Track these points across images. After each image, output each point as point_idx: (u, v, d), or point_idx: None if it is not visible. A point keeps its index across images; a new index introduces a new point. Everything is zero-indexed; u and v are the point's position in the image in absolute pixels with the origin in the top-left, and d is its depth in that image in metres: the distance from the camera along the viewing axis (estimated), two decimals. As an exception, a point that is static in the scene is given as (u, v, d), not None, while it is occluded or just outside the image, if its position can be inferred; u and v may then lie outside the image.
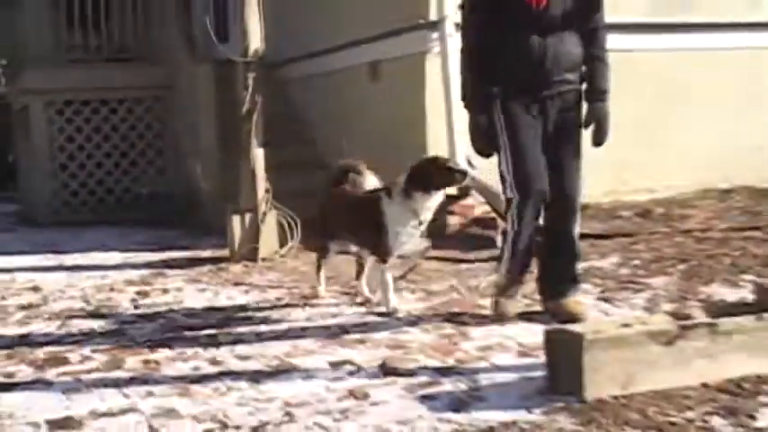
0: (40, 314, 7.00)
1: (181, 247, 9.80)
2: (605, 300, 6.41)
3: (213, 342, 5.86)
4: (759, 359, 4.56)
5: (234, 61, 9.10)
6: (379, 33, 10.22)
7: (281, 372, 5.11)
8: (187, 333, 6.16)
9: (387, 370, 5.02)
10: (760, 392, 4.34)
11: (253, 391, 4.77)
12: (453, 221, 8.82)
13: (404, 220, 6.16)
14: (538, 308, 6.06)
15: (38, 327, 6.60)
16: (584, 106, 5.79)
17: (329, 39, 11.42)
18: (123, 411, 4.57)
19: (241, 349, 5.63)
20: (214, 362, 5.38)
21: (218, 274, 8.31)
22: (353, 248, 6.80)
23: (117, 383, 5.04)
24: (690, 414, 4.11)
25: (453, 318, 6.09)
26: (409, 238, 6.26)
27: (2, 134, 17.32)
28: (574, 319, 5.49)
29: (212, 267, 8.62)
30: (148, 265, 8.92)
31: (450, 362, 5.13)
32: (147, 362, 5.45)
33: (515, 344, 5.38)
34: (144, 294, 7.58)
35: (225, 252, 9.01)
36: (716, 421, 4.02)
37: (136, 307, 7.14)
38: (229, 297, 7.32)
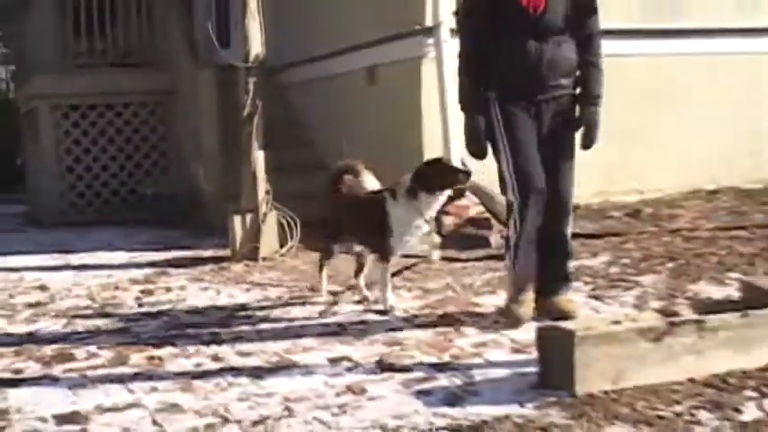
0: (48, 312, 7.00)
1: (184, 246, 9.80)
2: (596, 297, 6.40)
3: (215, 339, 5.86)
4: (744, 355, 4.56)
5: (235, 66, 9.11)
6: (376, 39, 10.22)
7: (281, 368, 5.11)
8: (190, 330, 6.16)
9: (384, 366, 5.02)
10: (745, 387, 4.34)
11: (253, 387, 4.77)
12: (448, 221, 8.81)
13: (408, 221, 6.14)
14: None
15: (45, 324, 6.60)
16: (577, 110, 5.77)
17: (328, 44, 11.42)
18: (128, 406, 4.58)
19: (242, 346, 5.63)
20: (216, 358, 5.39)
21: (220, 273, 8.31)
22: (357, 248, 6.76)
23: (122, 379, 5.04)
24: (678, 408, 4.11)
25: (448, 315, 6.09)
26: (412, 238, 6.25)
27: (10, 137, 17.34)
28: (565, 316, 5.49)
29: (214, 266, 8.61)
30: (152, 264, 8.92)
31: (446, 358, 5.13)
32: (151, 358, 5.46)
33: (508, 340, 5.37)
34: (148, 293, 7.58)
35: (226, 251, 9.00)
36: (703, 415, 4.03)
37: (140, 305, 7.14)
38: (231, 295, 7.32)
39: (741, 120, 10.40)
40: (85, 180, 12.97)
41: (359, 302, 6.66)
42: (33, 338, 6.16)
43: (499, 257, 7.97)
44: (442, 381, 4.71)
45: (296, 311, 6.57)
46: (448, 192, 6.23)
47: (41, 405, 4.65)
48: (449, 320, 5.97)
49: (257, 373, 5.01)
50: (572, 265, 6.09)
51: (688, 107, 10.22)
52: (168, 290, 7.67)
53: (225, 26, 13.44)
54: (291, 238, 9.02)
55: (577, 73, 5.72)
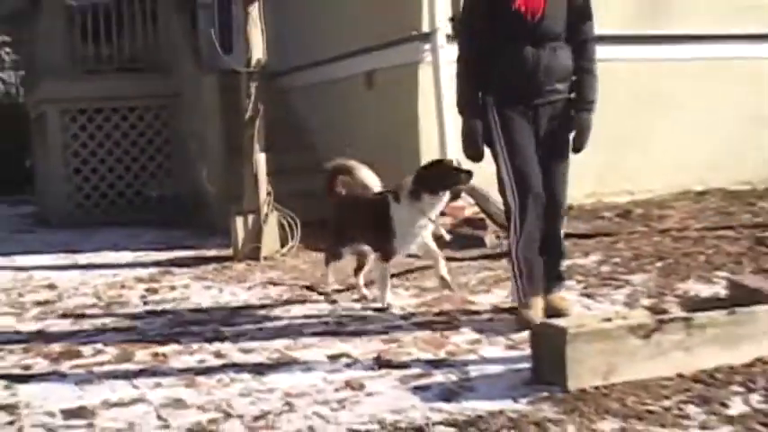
0: (55, 310, 7.01)
1: (187, 246, 9.80)
2: (588, 295, 6.40)
3: (218, 336, 5.86)
4: (731, 351, 4.56)
5: (237, 71, 9.11)
6: (374, 44, 10.22)
7: (282, 364, 5.12)
8: (193, 328, 6.16)
9: (381, 362, 5.02)
10: (732, 382, 4.34)
11: (255, 383, 4.78)
12: (445, 222, 8.82)
13: (412, 222, 6.11)
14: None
15: (53, 322, 6.60)
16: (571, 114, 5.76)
17: (328, 49, 11.42)
18: (133, 401, 4.58)
19: (244, 343, 5.63)
20: (218, 355, 5.39)
21: (223, 272, 8.31)
22: (362, 248, 6.70)
23: (127, 375, 5.05)
24: (666, 403, 4.12)
25: (444, 313, 6.09)
26: (415, 238, 6.21)
27: (20, 140, 17.33)
28: (558, 313, 5.48)
29: (217, 266, 8.61)
30: (157, 263, 8.91)
31: (442, 354, 5.14)
32: (155, 355, 5.46)
33: (503, 337, 5.37)
34: (153, 291, 7.58)
35: (229, 251, 9.00)
36: (691, 409, 4.03)
37: (145, 303, 7.14)
38: (233, 294, 7.31)
39: (728, 123, 10.40)
40: (92, 182, 12.97)
41: (357, 301, 6.66)
42: (42, 335, 6.16)
43: (494, 257, 8.01)
44: (439, 377, 4.71)
45: (296, 310, 6.57)
46: (449, 192, 6.21)
47: (50, 400, 4.65)
48: (445, 318, 5.97)
49: (259, 369, 5.01)
50: (565, 264, 6.09)
51: (677, 111, 10.22)
52: (172, 288, 7.68)
53: (228, 32, 13.45)
54: (292, 239, 9.02)
55: (573, 78, 5.71)
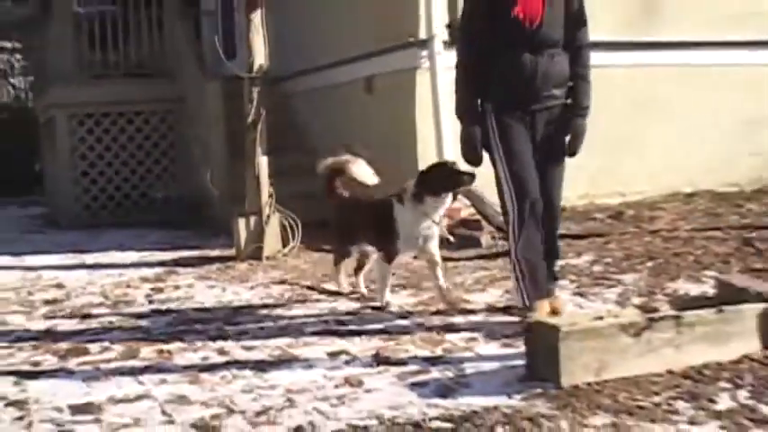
0: (64, 308, 7.01)
1: (191, 246, 9.79)
2: (580, 294, 6.40)
3: (221, 334, 5.86)
4: (719, 348, 4.57)
5: (240, 77, 9.12)
6: (373, 51, 10.22)
7: (283, 361, 5.11)
8: (197, 326, 6.16)
9: (380, 359, 5.02)
10: (719, 378, 4.34)
11: (257, 379, 4.77)
12: (441, 223, 8.82)
13: (415, 224, 6.08)
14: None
15: (61, 320, 6.60)
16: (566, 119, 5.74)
17: (329, 55, 11.42)
18: (139, 397, 4.58)
19: (246, 341, 5.63)
20: (221, 352, 5.38)
21: (226, 272, 8.31)
22: (366, 248, 6.69)
23: (133, 372, 5.05)
24: (656, 398, 4.12)
25: (441, 311, 6.09)
26: (418, 240, 6.17)
27: (30, 144, 17.34)
28: (552, 312, 5.49)
29: (220, 266, 8.61)
30: (162, 263, 8.91)
31: (438, 352, 5.13)
32: (160, 352, 5.45)
33: (498, 335, 5.37)
34: (158, 290, 7.58)
35: (232, 251, 9.00)
36: (680, 405, 4.03)
37: (150, 302, 7.14)
38: (236, 293, 7.31)
39: (718, 127, 10.41)
40: (99, 184, 12.98)
41: (357, 299, 6.66)
42: (50, 333, 6.16)
43: (490, 257, 8.01)
44: (435, 373, 4.71)
45: (297, 308, 6.57)
46: (452, 194, 6.19)
47: (58, 396, 4.65)
48: (441, 317, 5.97)
49: (261, 366, 5.01)
50: (558, 264, 6.09)
51: (668, 116, 10.22)
52: (177, 288, 7.67)
53: (231, 39, 13.45)
54: (293, 239, 9.02)
55: (569, 84, 5.70)
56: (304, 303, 6.71)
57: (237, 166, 9.56)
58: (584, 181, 9.23)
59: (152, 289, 7.65)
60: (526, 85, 5.53)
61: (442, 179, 6.02)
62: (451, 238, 7.91)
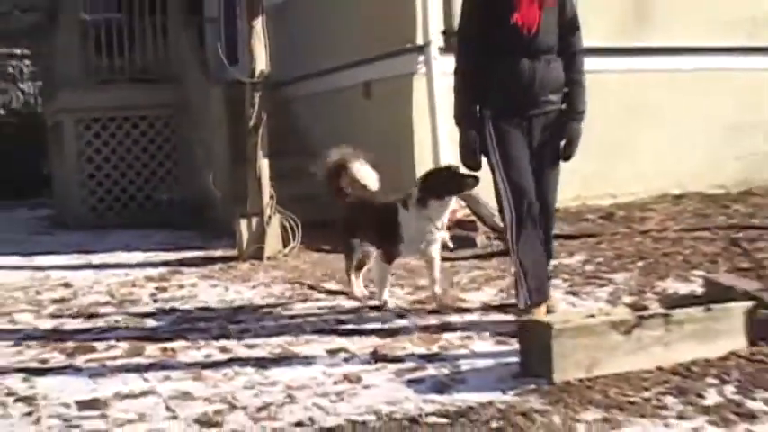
0: (71, 307, 7.00)
1: (195, 247, 9.78)
2: (573, 293, 6.41)
3: (223, 332, 5.87)
4: (707, 345, 4.58)
5: (242, 82, 9.11)
6: (371, 56, 10.22)
7: (284, 358, 5.12)
8: (200, 324, 6.16)
9: (378, 357, 5.03)
10: (707, 374, 4.35)
11: (258, 376, 4.78)
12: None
13: (420, 228, 6.02)
14: (513, 300, 6.06)
15: (68, 318, 6.61)
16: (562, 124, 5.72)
17: (328, 61, 11.42)
18: (143, 393, 4.59)
19: (248, 338, 5.63)
20: (224, 350, 5.39)
21: (228, 272, 8.30)
22: (368, 249, 6.57)
23: (138, 369, 5.05)
24: (646, 394, 4.13)
25: (437, 310, 6.09)
26: (420, 244, 6.11)
27: (38, 148, 17.32)
28: (546, 310, 5.49)
29: (223, 265, 8.61)
30: (166, 263, 8.90)
31: (435, 349, 5.14)
32: (164, 350, 5.46)
33: (493, 333, 5.37)
34: (162, 289, 7.58)
35: (234, 252, 8.99)
36: (669, 400, 4.04)
37: (155, 301, 7.14)
38: (238, 292, 7.31)
39: (707, 132, 10.42)
40: (105, 186, 12.96)
41: (355, 298, 6.65)
42: (58, 331, 6.17)
43: (484, 257, 8.02)
44: (431, 370, 4.71)
45: (297, 307, 6.57)
46: (455, 197, 6.16)
47: (65, 392, 4.66)
48: (438, 315, 5.97)
49: (262, 363, 5.02)
50: (552, 263, 6.09)
51: (658, 120, 10.23)
52: (181, 287, 7.67)
53: (233, 45, 13.45)
54: (293, 240, 9.02)
55: (565, 89, 5.68)
56: (304, 302, 6.71)
57: (239, 169, 9.56)
58: (576, 183, 9.22)
59: (157, 288, 7.64)
60: (524, 90, 5.50)
61: (447, 183, 5.96)
62: (451, 245, 7.91)
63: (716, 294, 5.02)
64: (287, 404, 4.29)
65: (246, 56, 9.21)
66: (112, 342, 5.72)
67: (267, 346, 5.39)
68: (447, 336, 5.40)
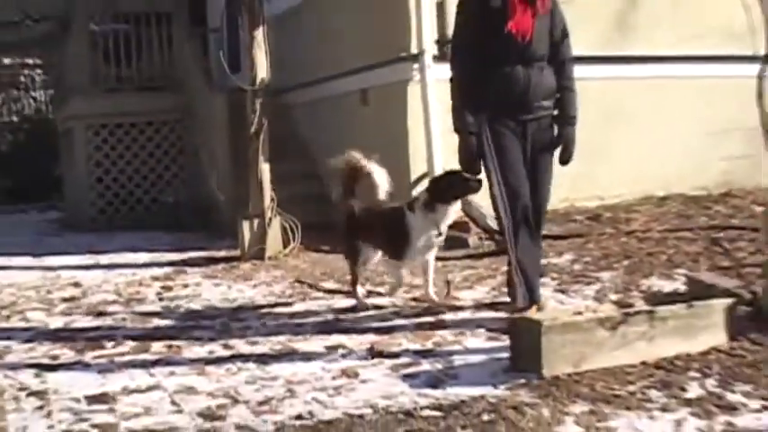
0: (80, 306, 7.00)
1: (199, 248, 9.77)
2: (561, 291, 6.41)
3: (226, 329, 5.87)
4: (689, 341, 4.58)
5: (244, 89, 9.11)
6: (368, 64, 10.21)
7: (284, 354, 5.11)
8: (204, 322, 6.16)
9: (374, 353, 5.02)
10: (689, 369, 4.36)
11: (259, 371, 4.78)
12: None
13: (427, 231, 5.95)
14: (504, 298, 6.07)
15: (78, 316, 6.60)
16: (555, 129, 5.70)
17: (327, 69, 11.40)
18: (150, 388, 4.58)
19: (250, 335, 5.63)
20: (227, 346, 5.38)
21: (231, 271, 8.30)
22: (372, 252, 6.41)
23: (144, 365, 5.05)
24: (631, 388, 4.13)
25: (431, 308, 6.08)
26: (427, 248, 6.06)
27: (50, 153, 17.32)
28: (535, 308, 5.49)
29: (226, 265, 8.60)
30: (171, 263, 8.90)
31: (429, 345, 5.14)
32: (170, 346, 5.45)
33: (484, 329, 5.37)
34: (168, 288, 7.57)
35: (236, 252, 8.99)
36: (653, 393, 4.05)
37: (161, 299, 7.14)
38: (240, 291, 7.30)
39: (688, 136, 10.41)
40: (113, 190, 12.97)
41: (348, 294, 6.62)
42: (68, 329, 6.18)
43: (477, 256, 8.02)
44: (426, 365, 4.71)
45: (297, 305, 6.56)
46: (460, 201, 6.12)
47: (75, 387, 4.66)
48: (432, 312, 5.96)
49: (263, 359, 5.01)
50: (542, 263, 6.09)
51: (643, 125, 10.22)
52: (185, 286, 7.67)
53: (235, 54, 13.42)
54: (293, 240, 9.02)
55: (557, 95, 5.67)
56: (304, 301, 6.71)
57: (241, 173, 9.55)
58: (565, 185, 9.20)
59: (162, 287, 7.64)
60: (519, 96, 5.48)
61: (453, 187, 5.87)
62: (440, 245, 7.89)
63: (698, 292, 5.03)
64: (287, 398, 4.29)
65: (248, 64, 9.20)
66: (120, 339, 5.72)
67: (268, 343, 5.39)
68: (441, 332, 5.40)
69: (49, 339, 5.82)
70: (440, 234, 6.02)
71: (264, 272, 8.16)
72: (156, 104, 12.97)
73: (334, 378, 4.59)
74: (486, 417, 3.86)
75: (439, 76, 8.67)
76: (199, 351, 5.32)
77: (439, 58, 9.13)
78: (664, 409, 3.86)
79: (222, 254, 9.24)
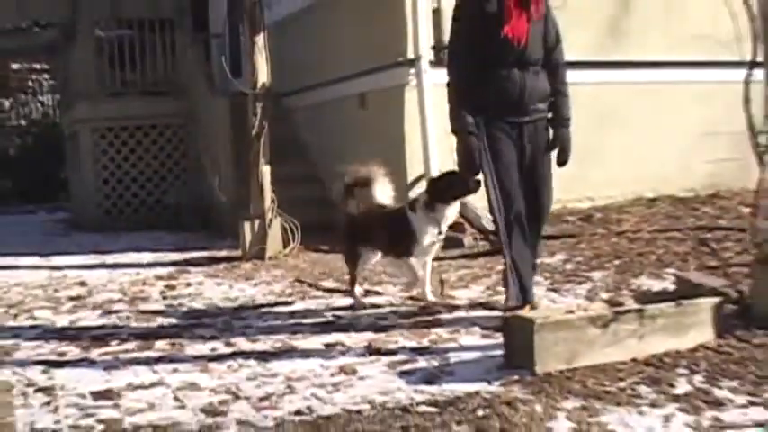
0: (86, 304, 7.00)
1: (201, 248, 9.78)
2: (554, 290, 6.42)
3: (228, 327, 5.87)
4: (678, 338, 4.58)
5: (245, 93, 9.11)
6: (366, 69, 10.22)
7: (284, 352, 5.11)
8: (206, 320, 6.15)
9: (372, 350, 5.02)
10: (678, 365, 4.36)
11: (260, 368, 4.77)
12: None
13: (429, 230, 5.94)
14: (498, 297, 6.07)
15: (84, 314, 6.60)
16: (551, 132, 5.67)
17: (327, 73, 11.41)
18: (153, 385, 4.58)
19: (250, 333, 5.63)
20: (228, 343, 5.38)
21: (232, 271, 8.30)
22: (371, 253, 6.37)
23: (148, 361, 5.05)
24: (621, 384, 4.13)
25: (427, 306, 6.09)
26: (429, 248, 6.04)
27: (56, 155, 17.34)
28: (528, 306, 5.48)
29: (227, 265, 8.60)
30: (174, 263, 8.90)
31: (425, 343, 5.13)
32: (173, 344, 5.45)
33: (479, 327, 5.38)
34: (171, 287, 7.57)
35: (238, 252, 8.99)
36: (642, 389, 4.05)
37: (164, 298, 7.14)
38: (241, 290, 7.30)
39: (677, 139, 10.42)
40: (118, 191, 12.99)
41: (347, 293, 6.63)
42: (74, 326, 6.18)
43: (471, 256, 8.02)
44: (422, 362, 4.71)
45: (297, 304, 6.56)
46: (460, 200, 6.09)
47: (81, 383, 4.66)
48: (428, 311, 5.96)
49: (263, 356, 5.01)
50: (537, 262, 6.08)
51: (633, 129, 10.22)
52: (188, 285, 7.67)
53: (237, 59, 13.42)
54: (293, 241, 9.02)
55: (551, 99, 5.66)
56: (303, 299, 6.71)
57: (243, 175, 9.56)
58: (558, 187, 9.20)
59: (166, 286, 7.64)
60: (515, 100, 5.45)
61: (453, 187, 5.86)
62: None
63: (686, 291, 5.04)
64: (287, 394, 4.29)
65: (249, 69, 9.21)
66: (124, 336, 5.72)
67: (268, 341, 5.39)
68: (436, 330, 5.40)
69: (55, 337, 5.82)
70: (440, 233, 6.01)
71: (265, 271, 8.17)
72: (159, 108, 12.99)
73: (332, 375, 4.59)
74: (480, 412, 3.86)
75: (435, 81, 8.68)
76: (201, 348, 5.31)
77: (435, 63, 9.14)
78: (653, 404, 3.86)
79: (223, 254, 9.24)
